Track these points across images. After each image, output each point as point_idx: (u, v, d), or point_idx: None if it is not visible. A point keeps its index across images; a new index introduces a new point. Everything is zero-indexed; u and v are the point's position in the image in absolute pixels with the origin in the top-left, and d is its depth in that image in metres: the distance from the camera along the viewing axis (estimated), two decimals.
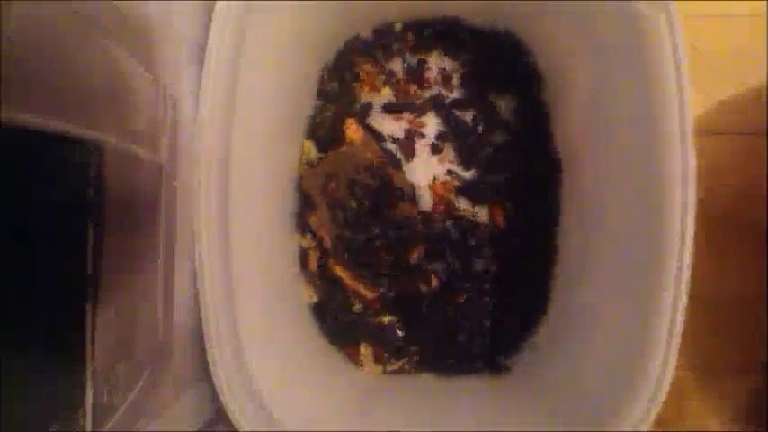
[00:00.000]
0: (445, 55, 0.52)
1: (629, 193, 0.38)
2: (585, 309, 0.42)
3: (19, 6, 0.21)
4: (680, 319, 0.33)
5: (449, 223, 0.51)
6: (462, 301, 0.51)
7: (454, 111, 0.52)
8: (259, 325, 0.39)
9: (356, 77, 0.52)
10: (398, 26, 0.52)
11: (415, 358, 0.50)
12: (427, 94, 0.52)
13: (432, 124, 0.52)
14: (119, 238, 0.29)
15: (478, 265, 0.51)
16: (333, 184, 0.50)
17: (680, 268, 0.33)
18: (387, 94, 0.53)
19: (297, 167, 0.51)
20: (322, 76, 0.52)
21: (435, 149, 0.52)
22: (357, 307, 0.51)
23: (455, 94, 0.52)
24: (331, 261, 0.50)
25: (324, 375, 0.46)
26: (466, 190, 0.51)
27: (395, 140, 0.52)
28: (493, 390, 0.46)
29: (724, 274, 0.54)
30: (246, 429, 0.35)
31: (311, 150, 0.51)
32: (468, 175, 0.51)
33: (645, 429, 0.34)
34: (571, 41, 0.44)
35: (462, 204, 0.51)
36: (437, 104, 0.52)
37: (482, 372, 0.49)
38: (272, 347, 0.40)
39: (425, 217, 0.51)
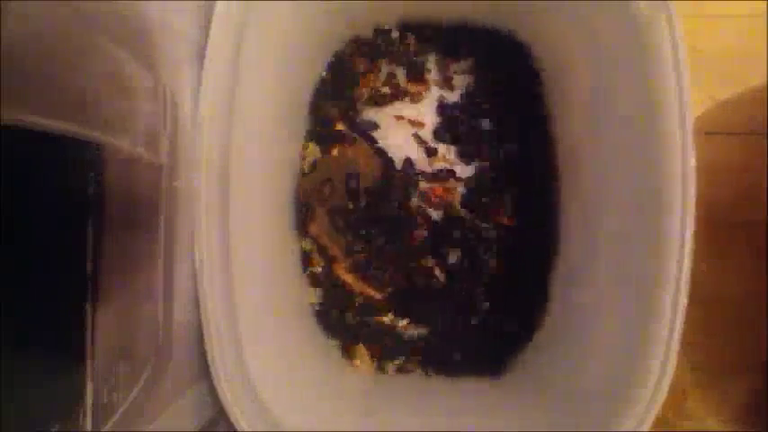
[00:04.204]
0: (445, 56, 0.52)
1: (630, 193, 0.38)
2: (585, 309, 0.42)
3: (19, 6, 0.21)
4: (680, 319, 0.33)
5: (448, 223, 0.51)
6: (463, 301, 0.51)
7: (454, 111, 0.52)
8: (259, 325, 0.39)
9: (356, 78, 0.52)
10: (398, 27, 0.52)
11: (417, 358, 0.50)
12: (427, 94, 0.52)
13: (432, 124, 0.52)
14: (119, 238, 0.29)
15: (479, 264, 0.51)
16: (327, 190, 0.50)
17: (680, 268, 0.33)
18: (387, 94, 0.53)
19: (297, 167, 0.51)
20: (322, 77, 0.52)
21: (432, 150, 0.52)
22: (358, 307, 0.51)
23: (455, 95, 0.52)
24: (334, 264, 0.50)
25: (324, 375, 0.46)
26: (467, 198, 0.51)
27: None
28: (493, 390, 0.46)
29: (724, 274, 0.54)
30: (246, 429, 0.35)
31: (315, 152, 0.51)
32: (467, 174, 0.52)
33: (645, 429, 0.34)
34: (571, 41, 0.44)
35: (463, 210, 0.51)
36: (437, 105, 0.52)
37: (483, 372, 0.49)
38: (272, 347, 0.40)
39: (425, 217, 0.51)
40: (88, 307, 0.26)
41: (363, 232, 0.50)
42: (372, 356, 0.50)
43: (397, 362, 0.50)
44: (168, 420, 0.34)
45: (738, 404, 0.55)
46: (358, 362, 0.49)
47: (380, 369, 0.50)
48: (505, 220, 0.50)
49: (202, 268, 0.35)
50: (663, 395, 0.33)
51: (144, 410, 0.31)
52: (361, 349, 0.50)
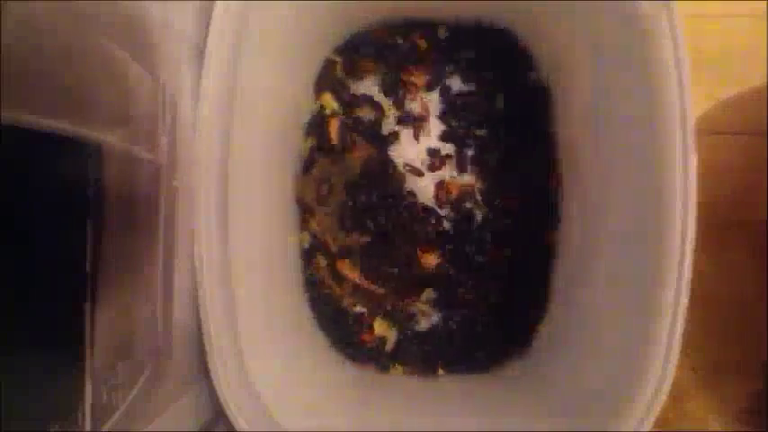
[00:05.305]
0: (446, 54, 0.52)
1: (630, 193, 0.38)
2: (586, 308, 0.42)
3: (19, 6, 0.21)
4: (680, 319, 0.33)
5: (450, 223, 0.51)
6: (463, 300, 0.51)
7: (454, 111, 0.52)
8: (258, 325, 0.39)
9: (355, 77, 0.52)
10: (398, 25, 0.52)
11: (417, 357, 0.50)
12: (428, 93, 0.52)
13: (431, 124, 0.52)
14: (118, 237, 0.29)
15: (479, 264, 0.51)
16: (325, 189, 0.50)
17: (680, 268, 0.33)
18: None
19: (297, 166, 0.51)
20: (321, 75, 0.52)
21: (434, 153, 0.52)
22: (359, 305, 0.51)
23: (455, 94, 0.52)
24: (336, 261, 0.50)
25: (324, 375, 0.46)
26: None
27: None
28: (493, 389, 0.46)
29: (724, 274, 0.54)
30: (246, 429, 0.35)
31: (331, 103, 0.51)
32: (468, 175, 0.52)
33: (645, 430, 0.34)
34: (571, 41, 0.44)
35: (467, 204, 0.51)
36: (435, 105, 0.52)
37: (482, 371, 0.49)
38: (272, 347, 0.40)
39: (426, 213, 0.51)
40: (87, 307, 0.26)
41: (364, 229, 0.50)
42: (377, 356, 0.50)
43: (397, 360, 0.50)
44: (168, 420, 0.34)
45: (739, 404, 0.55)
46: (363, 360, 0.49)
47: (381, 369, 0.50)
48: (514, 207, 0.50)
49: (202, 268, 0.35)
50: (663, 396, 0.33)
51: (143, 410, 0.31)
52: (368, 346, 0.50)
